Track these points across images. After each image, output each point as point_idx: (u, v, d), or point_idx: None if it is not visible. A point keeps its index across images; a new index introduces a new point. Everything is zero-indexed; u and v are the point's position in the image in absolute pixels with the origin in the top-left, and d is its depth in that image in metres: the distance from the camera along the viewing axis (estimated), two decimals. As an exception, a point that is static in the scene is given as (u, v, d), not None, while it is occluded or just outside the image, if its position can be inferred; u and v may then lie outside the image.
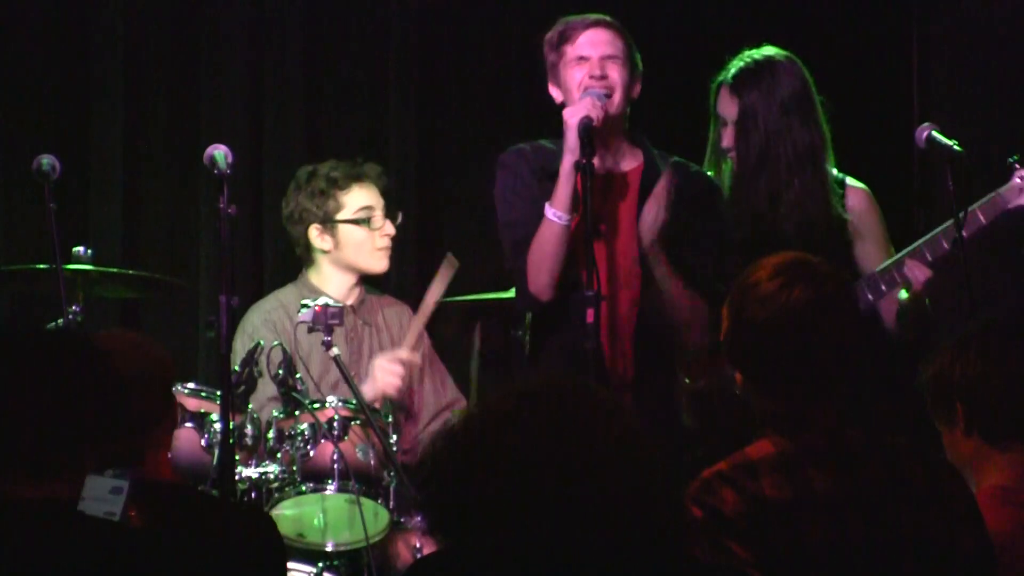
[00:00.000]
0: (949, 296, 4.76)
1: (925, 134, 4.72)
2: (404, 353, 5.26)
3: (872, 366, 3.91)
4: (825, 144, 4.89)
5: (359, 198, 5.38)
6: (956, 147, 4.63)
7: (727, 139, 4.87)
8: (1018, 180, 4.73)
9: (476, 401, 5.44)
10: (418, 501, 2.61)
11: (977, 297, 4.56)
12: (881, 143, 5.86)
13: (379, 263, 5.41)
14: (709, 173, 4.91)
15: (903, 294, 4.79)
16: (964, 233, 4.65)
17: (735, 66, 4.89)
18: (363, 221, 5.36)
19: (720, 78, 4.91)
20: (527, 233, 4.61)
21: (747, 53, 4.91)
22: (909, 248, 4.78)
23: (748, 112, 4.84)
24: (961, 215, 4.59)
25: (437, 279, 5.26)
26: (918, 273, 4.72)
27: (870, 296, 4.80)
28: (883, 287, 4.79)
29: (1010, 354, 3.35)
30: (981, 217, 4.73)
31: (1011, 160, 4.75)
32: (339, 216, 5.36)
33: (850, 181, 4.94)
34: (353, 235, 5.38)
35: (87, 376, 2.95)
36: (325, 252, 5.41)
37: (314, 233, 5.40)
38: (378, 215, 5.38)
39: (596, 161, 4.47)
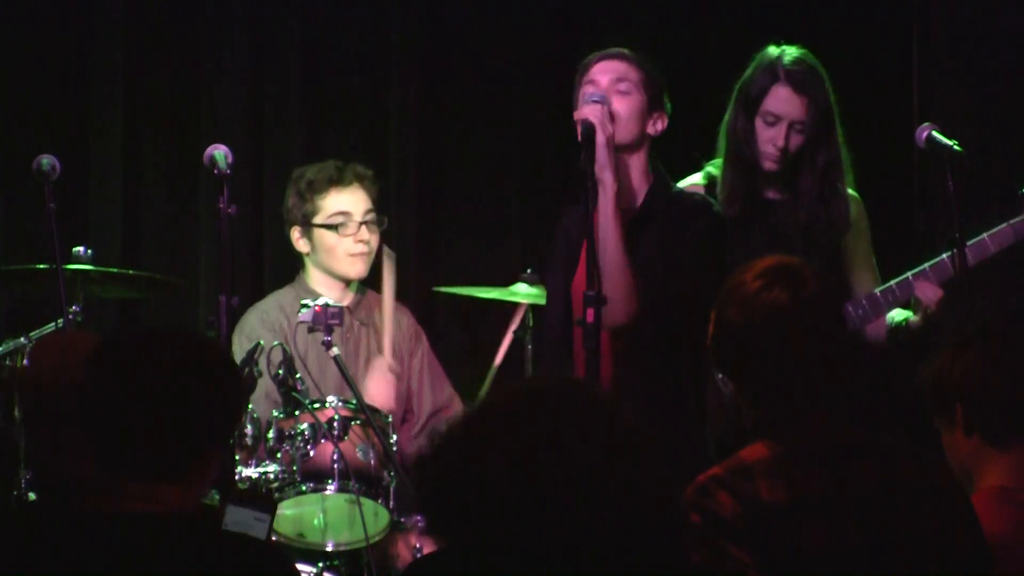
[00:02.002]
0: (949, 296, 4.75)
1: (925, 134, 4.71)
2: (389, 363, 5.22)
3: (865, 367, 3.89)
4: None
5: (336, 203, 5.35)
6: (956, 147, 4.62)
7: (780, 137, 4.78)
8: None
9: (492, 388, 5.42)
10: (417, 500, 2.61)
11: (976, 298, 4.55)
12: (881, 143, 5.85)
13: (351, 268, 5.38)
14: (714, 169, 4.87)
15: (905, 314, 4.77)
16: (969, 259, 4.62)
17: (790, 63, 4.80)
18: (333, 227, 5.35)
19: (767, 74, 4.80)
20: (550, 320, 4.65)
21: (787, 49, 4.85)
22: (913, 271, 4.75)
23: (819, 111, 4.79)
24: (960, 207, 4.57)
25: (385, 276, 5.23)
26: (929, 293, 4.69)
27: (871, 314, 4.76)
28: (884, 305, 4.76)
29: (1010, 354, 3.35)
30: (990, 245, 4.70)
31: (1023, 191, 4.73)
32: (315, 220, 5.36)
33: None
34: (325, 239, 5.36)
35: (216, 374, 2.92)
36: (306, 254, 5.41)
37: (295, 235, 5.41)
38: (354, 221, 5.35)
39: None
